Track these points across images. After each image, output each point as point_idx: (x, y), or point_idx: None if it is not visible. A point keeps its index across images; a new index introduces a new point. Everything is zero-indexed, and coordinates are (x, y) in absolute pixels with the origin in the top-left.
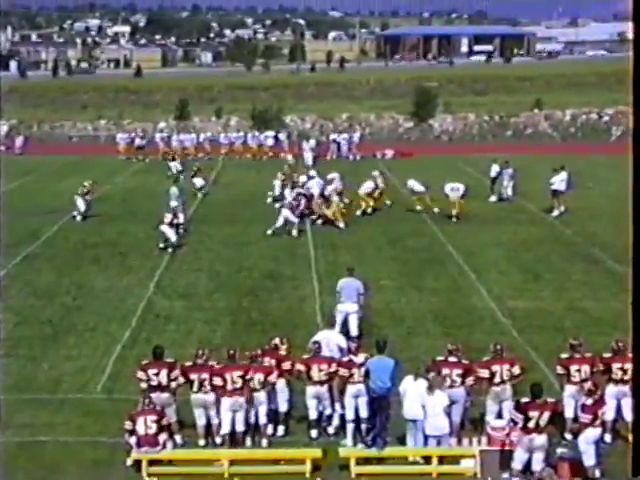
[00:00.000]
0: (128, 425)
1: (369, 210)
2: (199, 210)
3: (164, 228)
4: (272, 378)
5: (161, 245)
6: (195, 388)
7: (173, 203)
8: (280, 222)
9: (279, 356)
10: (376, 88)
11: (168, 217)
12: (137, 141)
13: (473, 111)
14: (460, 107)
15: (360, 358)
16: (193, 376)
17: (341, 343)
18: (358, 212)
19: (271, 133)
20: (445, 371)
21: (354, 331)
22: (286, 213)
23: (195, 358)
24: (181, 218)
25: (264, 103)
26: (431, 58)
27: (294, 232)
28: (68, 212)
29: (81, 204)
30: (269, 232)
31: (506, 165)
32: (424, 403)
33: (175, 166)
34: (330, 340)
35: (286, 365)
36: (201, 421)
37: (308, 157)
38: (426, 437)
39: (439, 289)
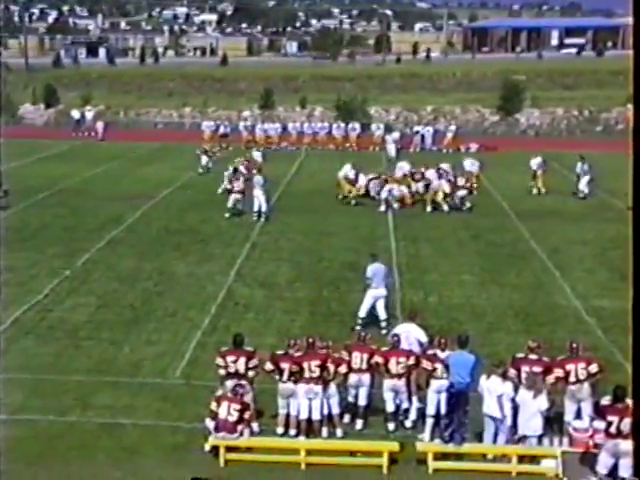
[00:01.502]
0: (213, 406)
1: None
2: (281, 200)
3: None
4: (342, 370)
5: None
6: (285, 377)
7: (257, 192)
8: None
9: (365, 348)
10: (462, 81)
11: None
12: (221, 129)
13: (561, 105)
14: (548, 101)
15: (445, 354)
16: (284, 365)
17: (421, 337)
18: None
19: (356, 124)
20: (525, 368)
21: (383, 314)
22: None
23: (288, 348)
24: (264, 207)
25: (349, 94)
26: (519, 51)
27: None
28: (151, 198)
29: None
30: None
31: (582, 161)
32: (508, 400)
33: (257, 156)
34: (410, 333)
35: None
36: (284, 410)
37: (391, 149)
38: (509, 435)
39: (521, 285)
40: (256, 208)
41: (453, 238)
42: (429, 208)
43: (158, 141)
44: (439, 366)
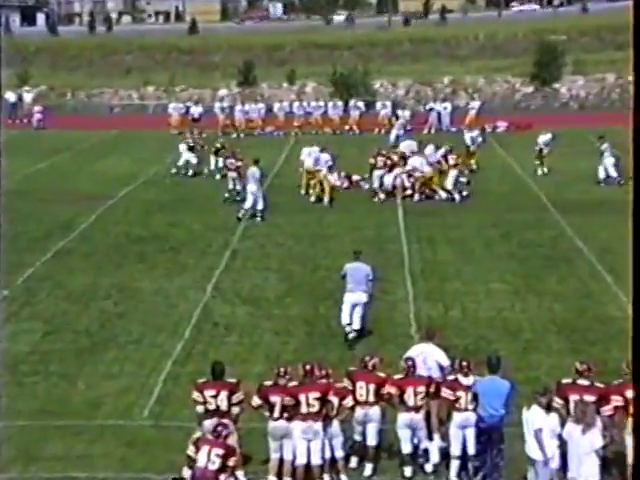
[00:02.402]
0: (191, 451)
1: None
2: (267, 196)
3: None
4: (347, 403)
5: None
6: (276, 414)
7: (251, 186)
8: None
9: (372, 377)
10: (486, 45)
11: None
12: (192, 112)
13: (612, 71)
14: (596, 66)
15: (469, 379)
16: (274, 398)
17: (441, 359)
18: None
19: (358, 102)
20: (574, 397)
21: (357, 324)
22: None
23: (277, 377)
24: (260, 204)
25: (347, 65)
26: (558, 4)
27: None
28: (108, 198)
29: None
30: None
31: (601, 141)
32: (554, 437)
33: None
34: (428, 356)
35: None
36: (276, 454)
37: (393, 133)
38: None
39: (565, 294)
40: (249, 205)
41: (479, 238)
42: (416, 197)
43: (115, 128)
44: (463, 395)
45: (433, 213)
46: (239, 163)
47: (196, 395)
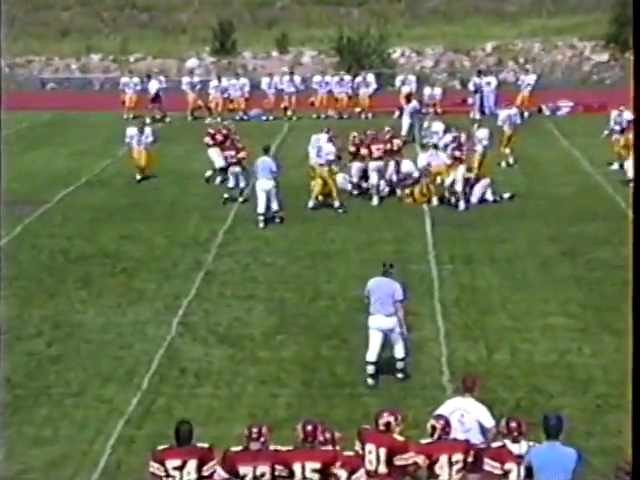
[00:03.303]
0: None
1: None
2: (252, 200)
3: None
4: (359, 476)
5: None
6: None
7: (263, 183)
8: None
9: (385, 439)
10: None
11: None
12: (152, 88)
13: None
14: None
15: (521, 446)
16: (245, 469)
17: (484, 419)
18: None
19: (371, 76)
20: None
21: (398, 353)
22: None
23: (248, 440)
24: (275, 204)
25: (357, 27)
26: None
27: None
28: (39, 204)
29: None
30: None
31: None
32: None
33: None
34: (466, 413)
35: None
36: None
37: (405, 122)
38: None
39: None
40: (262, 208)
41: (534, 256)
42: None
43: (48, 110)
44: (514, 467)
45: (471, 223)
46: (241, 154)
47: (155, 467)
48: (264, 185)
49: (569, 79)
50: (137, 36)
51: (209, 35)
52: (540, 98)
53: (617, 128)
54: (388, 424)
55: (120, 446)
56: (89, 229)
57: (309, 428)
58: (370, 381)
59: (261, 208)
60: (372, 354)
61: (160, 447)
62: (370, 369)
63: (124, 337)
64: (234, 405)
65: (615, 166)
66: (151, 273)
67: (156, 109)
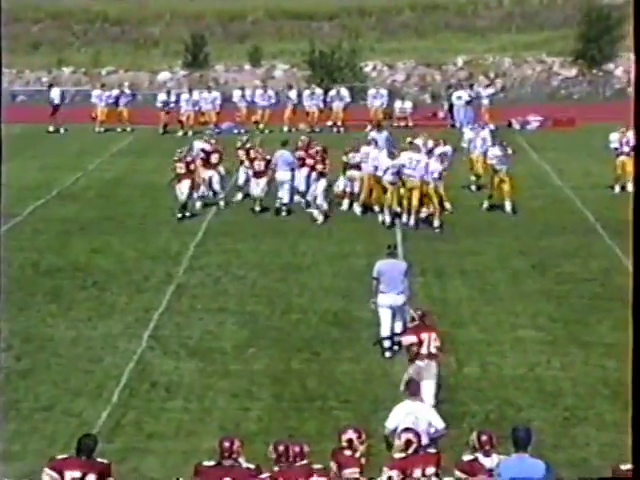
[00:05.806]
0: None
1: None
2: (223, 213)
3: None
4: None
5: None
6: None
7: (282, 175)
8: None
9: (349, 459)
10: (514, 12)
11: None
12: (123, 102)
13: None
14: None
15: (492, 460)
16: None
17: (434, 420)
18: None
19: (343, 90)
20: None
21: (400, 329)
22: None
23: (222, 455)
24: (286, 197)
25: (329, 41)
26: None
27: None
28: (8, 217)
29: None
30: None
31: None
32: None
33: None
34: (418, 416)
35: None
36: None
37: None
38: None
39: (619, 345)
40: (287, 197)
41: (504, 269)
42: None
43: (18, 122)
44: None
45: (442, 237)
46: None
47: (52, 476)
48: (282, 176)
49: (538, 93)
50: (109, 49)
51: (181, 48)
52: (510, 113)
53: (626, 149)
54: (350, 441)
55: None
56: (60, 242)
57: (282, 448)
58: (388, 354)
59: (285, 197)
60: (386, 329)
61: (59, 456)
62: (387, 343)
63: (94, 351)
64: (205, 419)
65: (617, 190)
66: (122, 286)
67: (128, 122)
